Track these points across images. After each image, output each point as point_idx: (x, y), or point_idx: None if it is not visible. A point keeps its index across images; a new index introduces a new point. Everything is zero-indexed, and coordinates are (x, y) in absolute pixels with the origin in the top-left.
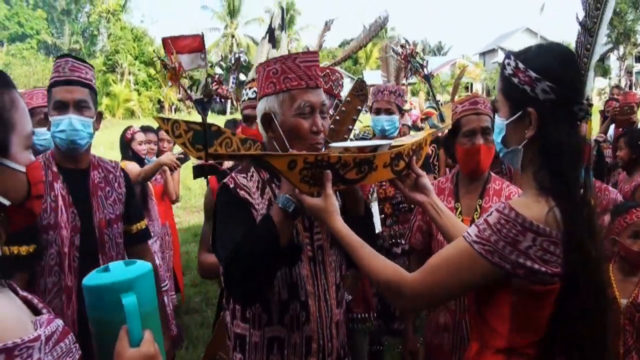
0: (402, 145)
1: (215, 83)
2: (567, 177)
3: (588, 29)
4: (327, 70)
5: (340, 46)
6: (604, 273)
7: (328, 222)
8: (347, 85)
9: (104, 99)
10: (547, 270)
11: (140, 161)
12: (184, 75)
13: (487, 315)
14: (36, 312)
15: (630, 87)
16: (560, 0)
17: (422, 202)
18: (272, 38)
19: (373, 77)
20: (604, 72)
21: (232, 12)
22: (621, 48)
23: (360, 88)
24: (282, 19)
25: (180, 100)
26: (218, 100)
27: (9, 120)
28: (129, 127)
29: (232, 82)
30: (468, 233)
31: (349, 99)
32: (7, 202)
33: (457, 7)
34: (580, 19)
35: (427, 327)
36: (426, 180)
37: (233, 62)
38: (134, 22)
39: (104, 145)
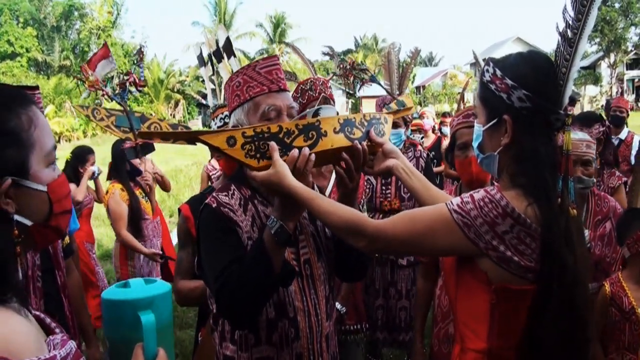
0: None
1: (126, 75)
2: (544, 181)
3: (568, 39)
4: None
5: (332, 58)
6: (583, 286)
7: (281, 185)
8: (338, 98)
9: None
10: (521, 262)
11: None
12: (101, 85)
13: (467, 316)
14: (48, 331)
15: (622, 94)
16: (552, 10)
17: (392, 166)
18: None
19: (365, 89)
20: (596, 79)
21: (223, 27)
22: (612, 56)
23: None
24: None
25: (97, 101)
26: (135, 90)
27: (27, 140)
28: (123, 141)
29: (141, 73)
30: (451, 202)
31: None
32: (29, 223)
33: (448, 18)
34: (560, 29)
35: (435, 336)
36: (391, 145)
37: (135, 54)
38: (125, 38)
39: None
